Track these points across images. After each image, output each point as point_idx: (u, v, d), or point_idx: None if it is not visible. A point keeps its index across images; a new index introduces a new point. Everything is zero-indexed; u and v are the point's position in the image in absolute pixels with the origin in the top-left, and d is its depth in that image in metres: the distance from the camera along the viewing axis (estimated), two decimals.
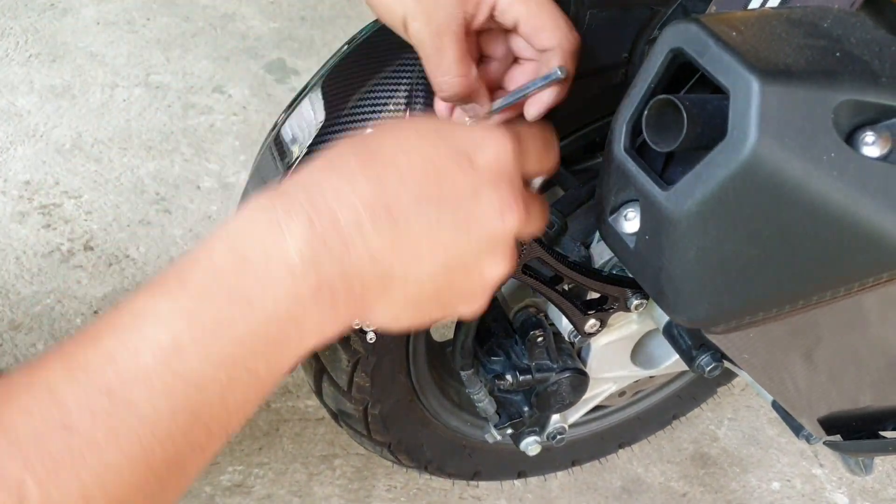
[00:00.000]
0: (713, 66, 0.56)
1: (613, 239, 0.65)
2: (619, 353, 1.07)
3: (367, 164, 0.48)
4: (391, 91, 0.86)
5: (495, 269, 0.54)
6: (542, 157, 0.60)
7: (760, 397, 1.64)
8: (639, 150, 0.62)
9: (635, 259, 0.63)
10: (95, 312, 1.64)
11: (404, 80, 0.86)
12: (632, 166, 0.60)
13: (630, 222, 0.63)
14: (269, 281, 0.45)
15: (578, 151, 1.06)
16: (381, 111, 0.86)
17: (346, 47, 0.93)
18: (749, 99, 0.53)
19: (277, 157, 0.92)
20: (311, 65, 2.37)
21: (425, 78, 0.73)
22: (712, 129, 0.56)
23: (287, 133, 0.94)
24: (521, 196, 0.53)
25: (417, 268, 0.49)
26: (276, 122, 0.97)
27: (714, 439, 1.59)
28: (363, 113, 0.87)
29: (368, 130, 0.52)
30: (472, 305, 0.55)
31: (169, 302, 0.44)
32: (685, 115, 0.55)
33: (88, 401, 0.41)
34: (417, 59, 0.70)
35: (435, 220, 0.49)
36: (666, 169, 0.62)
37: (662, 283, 0.61)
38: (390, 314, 0.51)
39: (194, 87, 2.27)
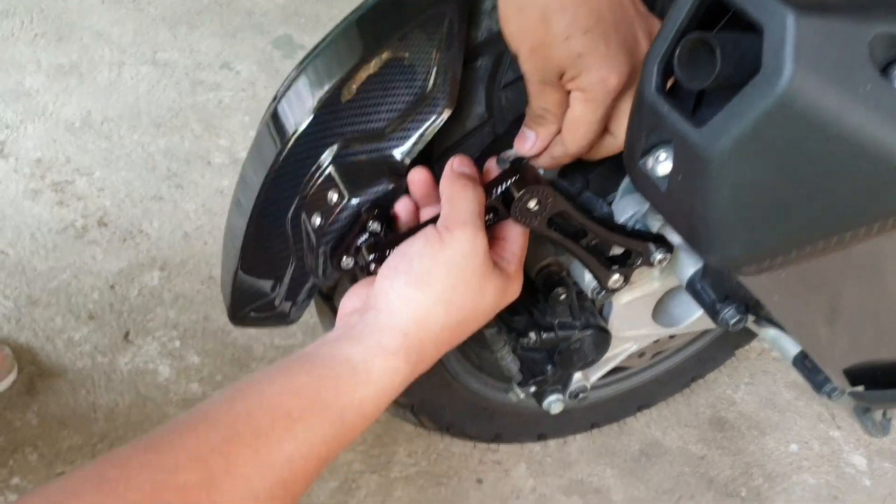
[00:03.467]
0: (746, 1, 0.55)
1: (644, 183, 0.65)
2: (641, 312, 1.08)
3: (455, 335, 0.74)
4: (397, 72, 0.85)
5: None
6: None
7: (777, 362, 1.65)
8: (669, 92, 0.62)
9: (667, 201, 0.63)
10: (112, 287, 1.65)
11: (406, 57, 0.85)
12: (663, 107, 0.60)
13: (662, 164, 0.63)
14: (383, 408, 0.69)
15: None
16: (385, 97, 0.86)
17: (342, 23, 0.92)
18: (784, 32, 0.53)
19: (275, 134, 0.91)
20: (317, 39, 2.36)
21: (426, 52, 0.81)
22: (744, 67, 0.56)
23: (283, 111, 0.93)
24: None
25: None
26: (274, 95, 0.96)
27: (731, 403, 1.59)
28: (366, 98, 0.86)
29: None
30: None
31: (332, 431, 0.63)
32: (718, 51, 0.55)
33: (272, 491, 0.58)
34: (418, 33, 0.81)
35: (465, 336, 0.76)
36: (696, 111, 0.62)
37: (695, 224, 0.61)
38: None
39: (202, 64, 2.27)
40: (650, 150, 0.63)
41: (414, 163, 0.84)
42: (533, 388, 1.07)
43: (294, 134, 0.87)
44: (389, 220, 0.82)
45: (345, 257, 0.82)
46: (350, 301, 0.77)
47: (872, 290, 0.78)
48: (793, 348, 1.09)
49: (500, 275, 0.75)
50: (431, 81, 0.82)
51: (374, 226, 0.80)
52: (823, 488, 1.47)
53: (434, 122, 0.82)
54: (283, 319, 0.98)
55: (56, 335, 1.56)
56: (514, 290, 0.78)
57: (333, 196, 0.82)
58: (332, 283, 0.99)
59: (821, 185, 0.57)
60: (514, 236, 0.80)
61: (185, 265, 1.71)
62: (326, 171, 0.84)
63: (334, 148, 0.85)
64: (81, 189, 1.86)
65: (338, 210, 0.81)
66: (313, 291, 0.96)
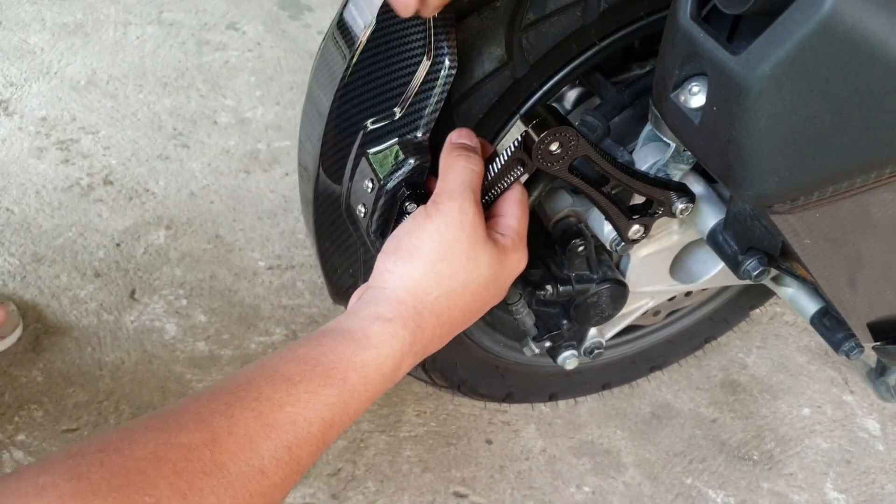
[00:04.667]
0: None
1: (676, 117, 0.63)
2: (659, 266, 1.06)
3: (454, 312, 0.73)
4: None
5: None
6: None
7: (789, 326, 1.63)
8: (704, 19, 0.60)
9: (700, 135, 0.61)
10: (117, 245, 1.63)
11: None
12: (699, 34, 0.58)
13: (695, 97, 0.61)
14: (388, 385, 0.69)
15: (616, 59, 1.03)
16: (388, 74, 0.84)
17: None
18: None
19: (343, 43, 0.89)
20: (324, 1, 2.34)
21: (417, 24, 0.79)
22: None
23: (351, 15, 0.91)
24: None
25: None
26: (340, 8, 0.94)
27: (743, 367, 1.57)
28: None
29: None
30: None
31: (334, 394, 0.63)
32: None
33: (277, 454, 0.58)
34: None
35: (472, 311, 0.77)
36: (731, 38, 0.60)
37: (730, 158, 0.59)
38: None
39: (208, 25, 2.24)
40: (683, 81, 0.61)
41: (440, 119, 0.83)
42: (548, 344, 1.06)
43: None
44: (425, 198, 0.81)
45: None
46: (358, 293, 0.78)
47: None
48: (811, 306, 1.07)
49: (494, 247, 0.75)
50: (430, 48, 0.80)
51: (412, 207, 0.81)
52: (836, 452, 1.46)
53: (442, 88, 0.80)
54: None
55: (62, 292, 1.54)
56: (514, 262, 0.78)
57: (368, 184, 0.83)
58: None
59: (863, 113, 0.55)
60: (510, 209, 0.79)
61: (192, 224, 1.69)
62: (360, 162, 0.85)
63: (360, 137, 0.85)
64: (87, 147, 1.83)
65: (375, 197, 0.82)
66: None
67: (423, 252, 0.71)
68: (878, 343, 0.93)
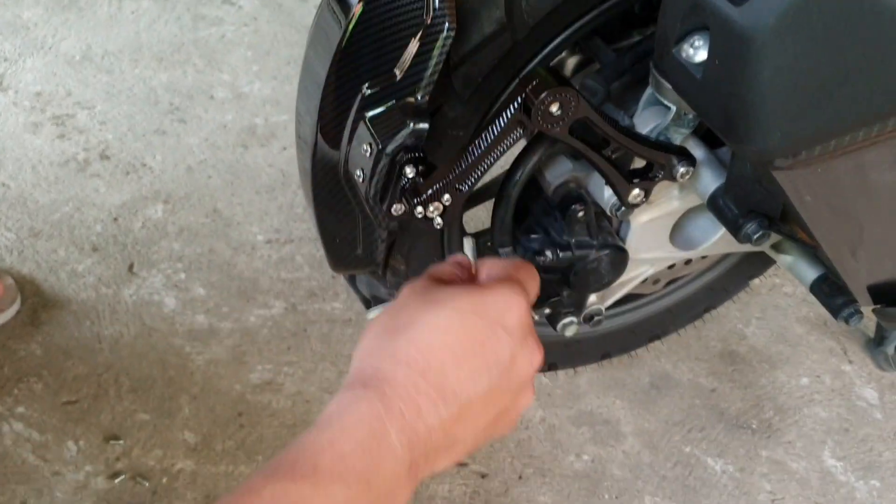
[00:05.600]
0: None
1: (677, 72, 0.62)
2: (659, 232, 1.06)
3: (429, 356, 0.60)
4: None
5: (526, 399, 0.66)
6: (535, 285, 0.71)
7: (788, 297, 1.63)
8: None
9: (703, 90, 0.61)
10: (115, 220, 1.63)
11: None
12: None
13: (698, 51, 0.61)
14: (381, 465, 0.56)
15: (616, 25, 1.03)
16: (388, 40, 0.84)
17: None
18: None
19: (338, 9, 0.88)
20: None
21: None
22: None
23: None
24: (535, 336, 0.65)
25: (474, 427, 0.62)
26: None
27: (742, 337, 1.58)
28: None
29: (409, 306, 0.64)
30: (510, 429, 0.68)
31: (309, 485, 0.53)
32: None
33: None
34: None
35: (485, 387, 0.61)
36: None
37: (733, 112, 0.59)
38: (451, 461, 0.63)
39: None
40: (685, 36, 0.61)
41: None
42: (547, 311, 1.06)
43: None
44: (423, 161, 0.81)
45: (395, 204, 0.83)
46: None
47: None
48: (810, 273, 1.07)
49: (463, 288, 0.66)
50: (429, 10, 0.80)
51: (410, 171, 0.80)
52: (835, 421, 1.46)
53: (440, 51, 0.80)
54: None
55: (59, 267, 1.54)
56: (495, 298, 0.64)
57: (367, 149, 0.82)
58: (394, 230, 1.01)
59: (866, 64, 0.54)
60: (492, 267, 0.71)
61: (189, 198, 1.68)
62: (358, 125, 0.84)
63: (357, 101, 0.84)
64: (83, 122, 1.83)
65: (374, 161, 0.82)
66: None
67: (392, 317, 0.64)
68: (877, 306, 0.94)
